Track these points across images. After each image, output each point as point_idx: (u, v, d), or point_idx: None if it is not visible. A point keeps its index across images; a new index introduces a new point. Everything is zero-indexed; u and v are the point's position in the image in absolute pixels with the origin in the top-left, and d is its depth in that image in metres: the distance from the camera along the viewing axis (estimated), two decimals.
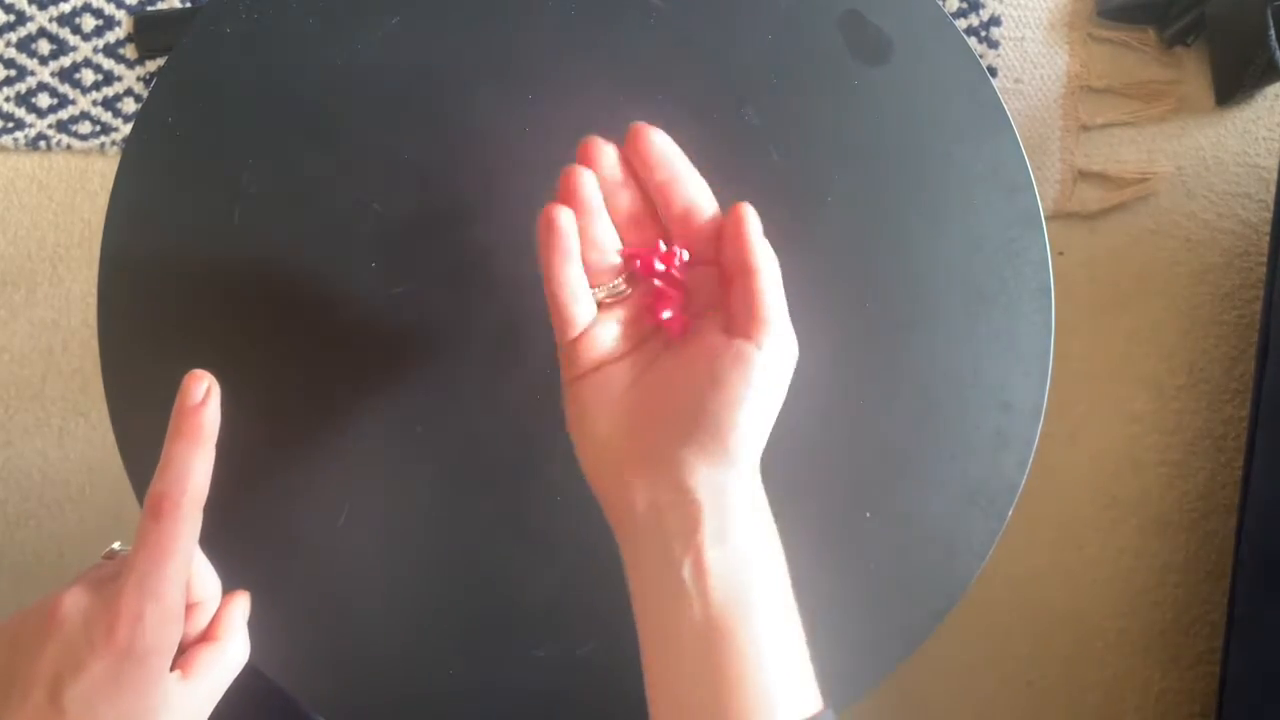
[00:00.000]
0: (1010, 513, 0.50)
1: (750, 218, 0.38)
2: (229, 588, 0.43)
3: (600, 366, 0.40)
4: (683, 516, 0.37)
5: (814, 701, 0.37)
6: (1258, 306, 1.09)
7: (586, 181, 0.39)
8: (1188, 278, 1.11)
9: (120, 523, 1.11)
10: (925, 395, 0.50)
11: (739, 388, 0.37)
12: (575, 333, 0.40)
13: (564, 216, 0.38)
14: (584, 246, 0.39)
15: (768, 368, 0.37)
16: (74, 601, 0.36)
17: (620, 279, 0.40)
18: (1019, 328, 0.50)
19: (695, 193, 0.39)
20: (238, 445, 0.49)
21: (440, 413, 0.50)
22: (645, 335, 0.41)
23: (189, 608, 0.40)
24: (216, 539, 0.49)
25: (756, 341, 0.37)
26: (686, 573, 0.36)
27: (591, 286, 0.40)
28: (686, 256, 0.40)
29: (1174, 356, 1.11)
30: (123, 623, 0.35)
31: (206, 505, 0.38)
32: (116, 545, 0.43)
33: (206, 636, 0.41)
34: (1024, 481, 0.50)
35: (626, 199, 0.40)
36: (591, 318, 0.40)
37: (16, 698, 0.35)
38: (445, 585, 0.50)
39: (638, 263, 0.40)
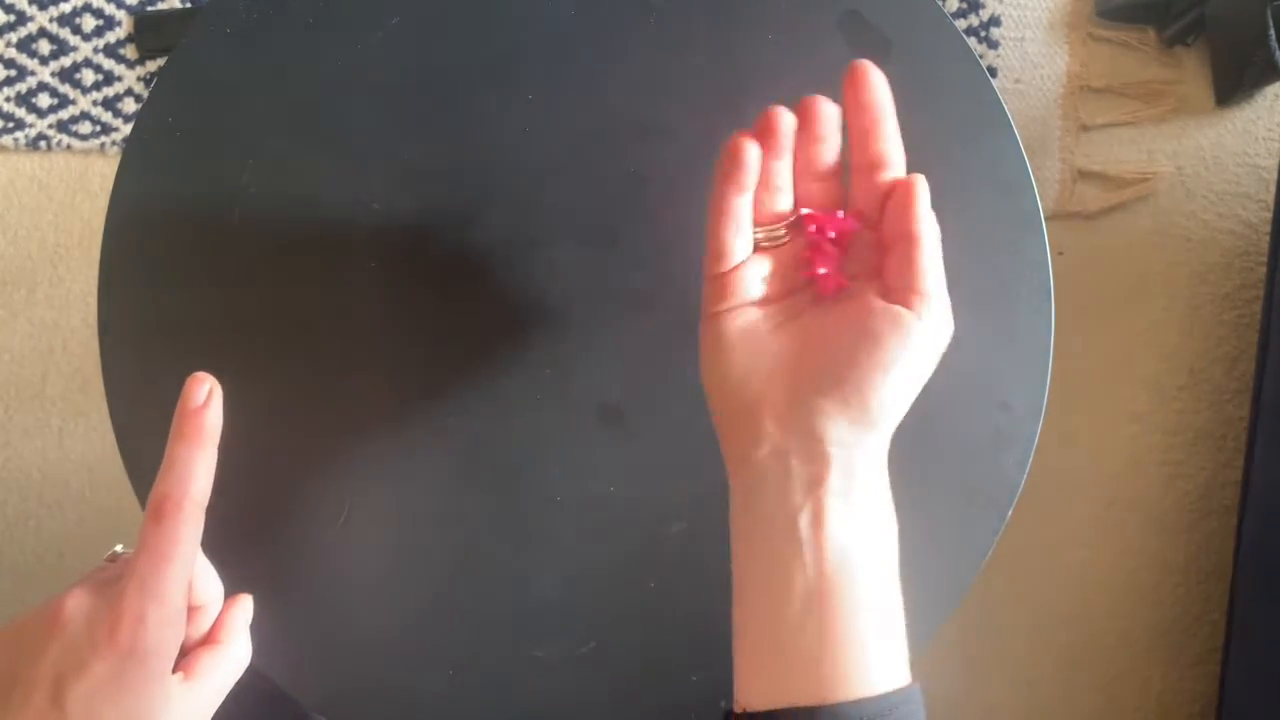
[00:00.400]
0: (1010, 513, 0.50)
1: (922, 188, 0.38)
2: (231, 588, 0.43)
3: (743, 306, 0.40)
4: (810, 466, 0.36)
5: (905, 674, 0.37)
6: (1258, 306, 1.09)
7: (786, 123, 0.38)
8: (1188, 278, 1.11)
9: (121, 523, 1.11)
10: (925, 395, 0.50)
11: (895, 350, 0.36)
12: (728, 266, 0.39)
13: (751, 151, 0.38)
14: (760, 184, 0.39)
15: (925, 337, 0.37)
16: (76, 603, 0.36)
17: (782, 226, 0.40)
18: (1019, 328, 0.50)
19: (890, 149, 0.39)
20: (238, 445, 0.49)
21: (440, 413, 0.50)
22: (793, 287, 0.40)
23: (191, 610, 0.40)
24: (218, 539, 0.49)
25: (917, 311, 0.37)
26: (804, 521, 0.36)
27: (755, 226, 0.40)
28: (857, 227, 0.40)
29: (1174, 356, 1.11)
30: (125, 624, 0.35)
31: (208, 505, 0.38)
32: (119, 548, 0.43)
33: (209, 639, 0.41)
34: (1024, 481, 0.50)
35: (822, 154, 0.40)
36: (747, 255, 0.40)
37: (19, 699, 0.35)
38: (446, 585, 0.50)
39: (813, 226, 0.40)
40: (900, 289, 0.37)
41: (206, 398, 0.38)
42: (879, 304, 0.37)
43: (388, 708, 0.50)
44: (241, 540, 0.49)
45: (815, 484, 0.36)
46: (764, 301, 0.40)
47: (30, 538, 1.13)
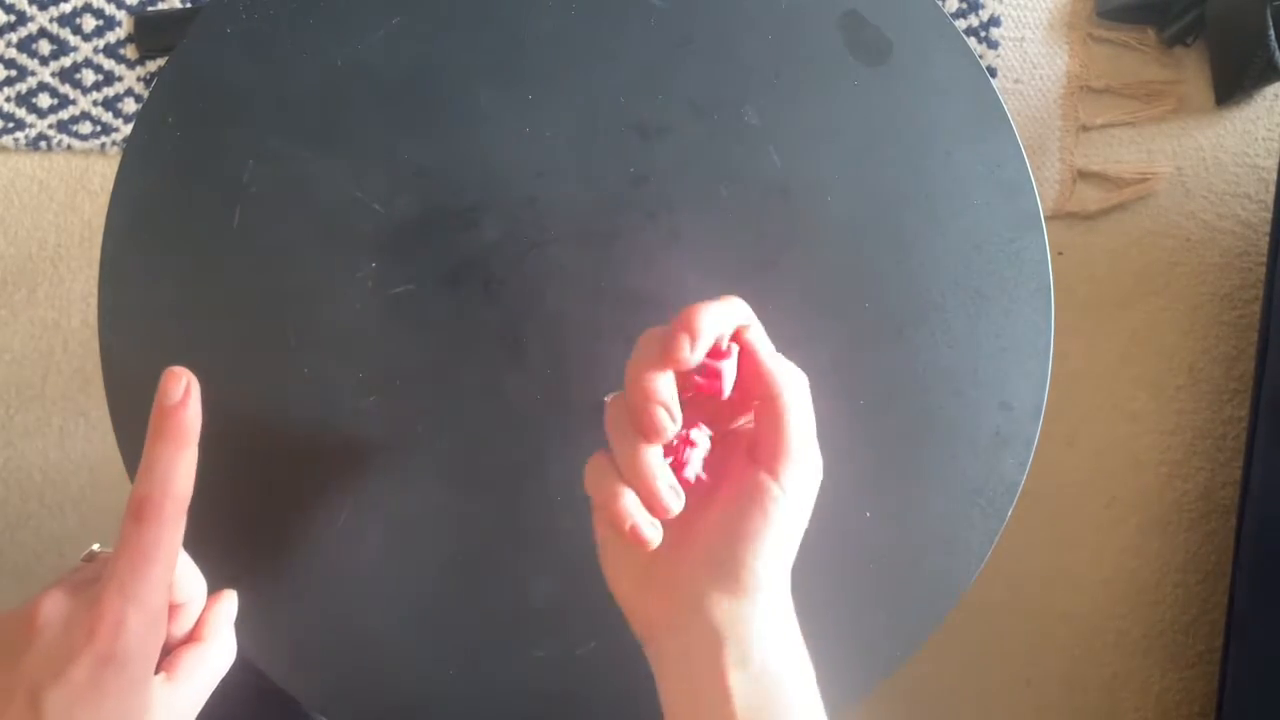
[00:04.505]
0: (1010, 513, 0.50)
1: (756, 342, 0.38)
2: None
3: None
4: (706, 645, 0.38)
5: None
6: (1257, 306, 1.09)
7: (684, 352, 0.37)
8: (1187, 278, 1.11)
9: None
10: (925, 395, 0.50)
11: (758, 525, 0.37)
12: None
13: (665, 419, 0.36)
14: None
15: (788, 501, 0.38)
16: (53, 606, 0.35)
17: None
18: (1019, 328, 0.50)
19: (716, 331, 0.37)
20: (238, 444, 0.49)
21: (440, 413, 0.50)
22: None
23: (173, 608, 0.39)
24: (217, 538, 0.49)
25: (776, 475, 0.38)
26: (714, 700, 0.37)
27: None
28: (706, 443, 0.39)
29: (1174, 356, 1.11)
30: (104, 628, 0.34)
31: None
32: (96, 547, 0.41)
33: (191, 637, 0.40)
34: (1024, 481, 0.50)
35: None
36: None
37: None
38: (445, 585, 0.50)
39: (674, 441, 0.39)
40: (764, 449, 0.38)
41: (184, 393, 0.36)
42: (744, 472, 0.38)
43: (388, 708, 0.50)
44: (240, 540, 0.49)
45: (714, 660, 0.38)
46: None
47: (31, 538, 1.13)
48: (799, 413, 0.38)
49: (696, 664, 0.38)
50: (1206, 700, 1.12)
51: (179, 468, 0.36)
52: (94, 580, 0.36)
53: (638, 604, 0.41)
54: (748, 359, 0.38)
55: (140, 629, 0.35)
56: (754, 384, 0.38)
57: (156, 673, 0.37)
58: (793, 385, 0.38)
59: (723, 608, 0.38)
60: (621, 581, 0.41)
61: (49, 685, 0.34)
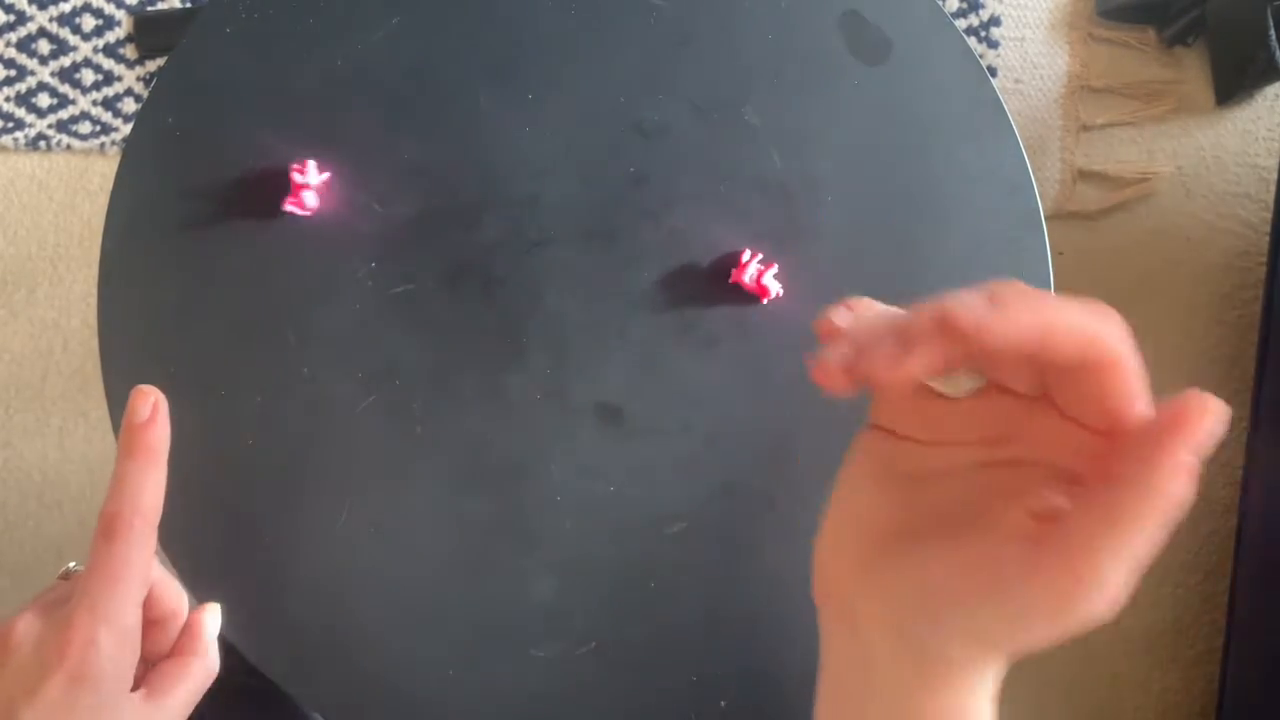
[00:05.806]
0: None
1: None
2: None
3: (910, 438, 0.31)
4: (923, 671, 0.29)
5: None
6: (1258, 306, 1.09)
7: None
8: (1188, 278, 1.11)
9: None
10: None
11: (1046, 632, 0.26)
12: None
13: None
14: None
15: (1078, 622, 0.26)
16: (26, 627, 0.36)
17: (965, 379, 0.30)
18: None
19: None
20: (237, 444, 0.49)
21: (440, 413, 0.50)
22: (995, 438, 0.29)
23: (153, 624, 0.39)
24: (217, 538, 0.49)
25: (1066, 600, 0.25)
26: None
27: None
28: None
29: (1174, 356, 1.11)
30: (75, 648, 0.34)
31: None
32: (73, 564, 0.42)
33: (173, 652, 0.40)
34: None
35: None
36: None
37: None
38: (445, 585, 0.50)
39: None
40: (1076, 550, 0.25)
41: (152, 411, 0.36)
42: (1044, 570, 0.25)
43: (388, 708, 0.49)
44: (240, 540, 0.49)
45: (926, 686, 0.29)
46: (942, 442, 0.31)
47: (30, 538, 1.13)
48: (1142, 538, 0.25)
49: (912, 685, 0.29)
50: (1206, 700, 1.12)
51: (147, 485, 0.36)
52: (67, 599, 0.36)
53: (854, 580, 0.31)
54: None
55: (111, 648, 0.35)
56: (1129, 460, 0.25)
57: (136, 688, 0.37)
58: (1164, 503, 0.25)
59: (959, 651, 0.29)
60: (844, 544, 0.32)
61: (23, 704, 0.34)
